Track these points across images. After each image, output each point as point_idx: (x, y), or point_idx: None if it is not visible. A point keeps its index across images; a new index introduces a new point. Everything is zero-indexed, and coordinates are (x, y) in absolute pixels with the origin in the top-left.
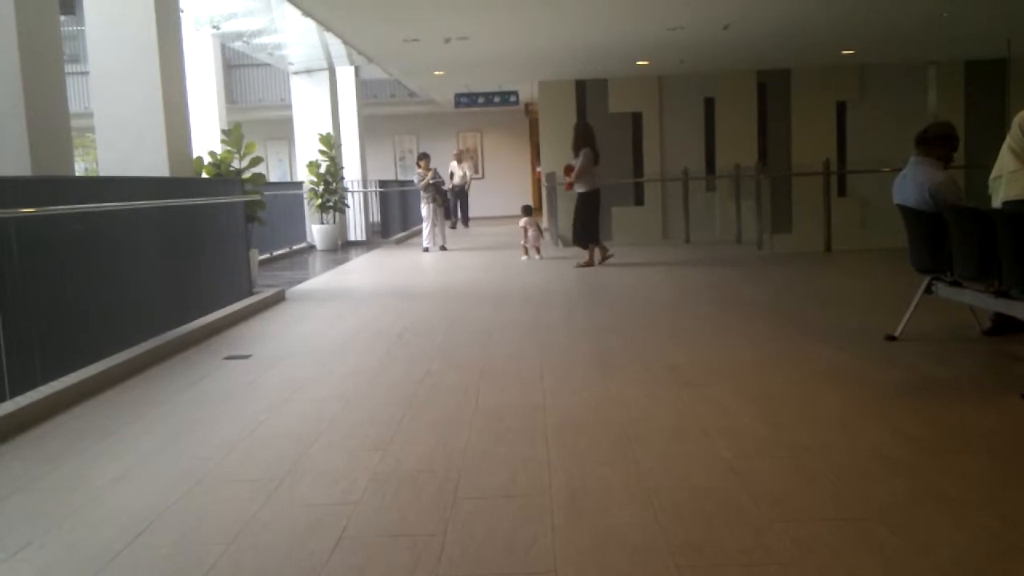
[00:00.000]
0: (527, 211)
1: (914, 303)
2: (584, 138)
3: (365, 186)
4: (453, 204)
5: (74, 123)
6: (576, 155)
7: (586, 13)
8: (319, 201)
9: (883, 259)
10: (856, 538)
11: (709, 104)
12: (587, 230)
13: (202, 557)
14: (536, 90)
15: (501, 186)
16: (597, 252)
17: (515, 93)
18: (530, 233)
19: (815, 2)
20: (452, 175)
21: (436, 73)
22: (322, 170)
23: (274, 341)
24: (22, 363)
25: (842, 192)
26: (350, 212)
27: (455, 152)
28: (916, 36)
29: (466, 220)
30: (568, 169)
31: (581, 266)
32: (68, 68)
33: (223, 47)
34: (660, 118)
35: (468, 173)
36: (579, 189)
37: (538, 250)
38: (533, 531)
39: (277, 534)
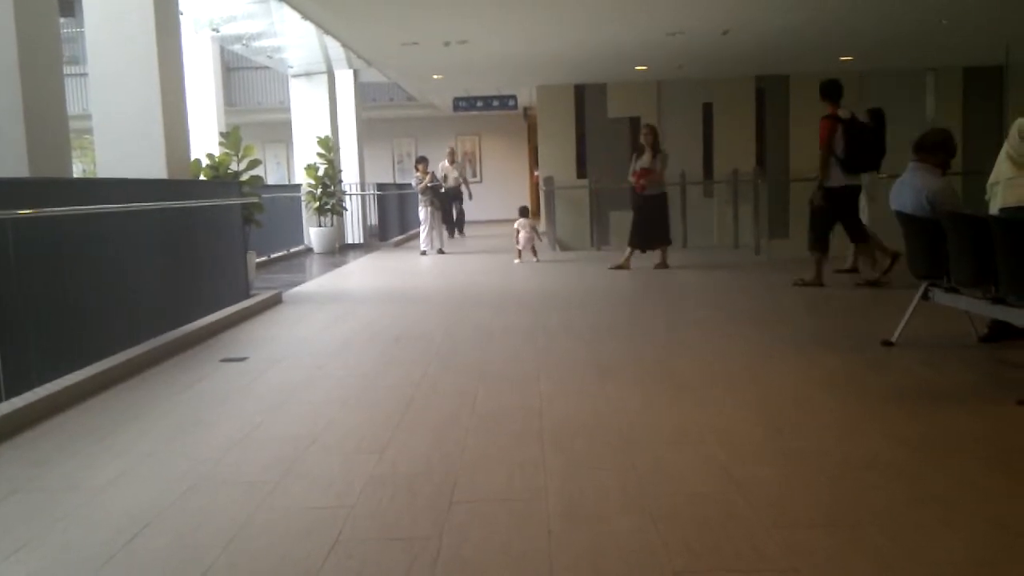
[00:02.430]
0: (523, 212)
1: (911, 309)
2: (660, 140)
3: (363, 189)
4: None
5: (73, 125)
6: (653, 157)
7: (585, 18)
8: (317, 204)
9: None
10: (852, 543)
11: (707, 109)
12: (659, 232)
13: (198, 559)
14: (535, 94)
15: (499, 190)
16: (627, 255)
17: (514, 97)
18: (522, 235)
19: (814, 9)
20: (446, 177)
21: (435, 77)
22: (320, 173)
23: (271, 343)
24: (18, 364)
25: None
26: (348, 215)
27: (448, 151)
28: (914, 43)
29: (461, 227)
30: (644, 172)
31: (624, 267)
32: (67, 70)
33: (222, 50)
34: (659, 123)
35: (461, 175)
36: (650, 192)
37: (534, 252)
38: (529, 535)
39: (273, 537)
